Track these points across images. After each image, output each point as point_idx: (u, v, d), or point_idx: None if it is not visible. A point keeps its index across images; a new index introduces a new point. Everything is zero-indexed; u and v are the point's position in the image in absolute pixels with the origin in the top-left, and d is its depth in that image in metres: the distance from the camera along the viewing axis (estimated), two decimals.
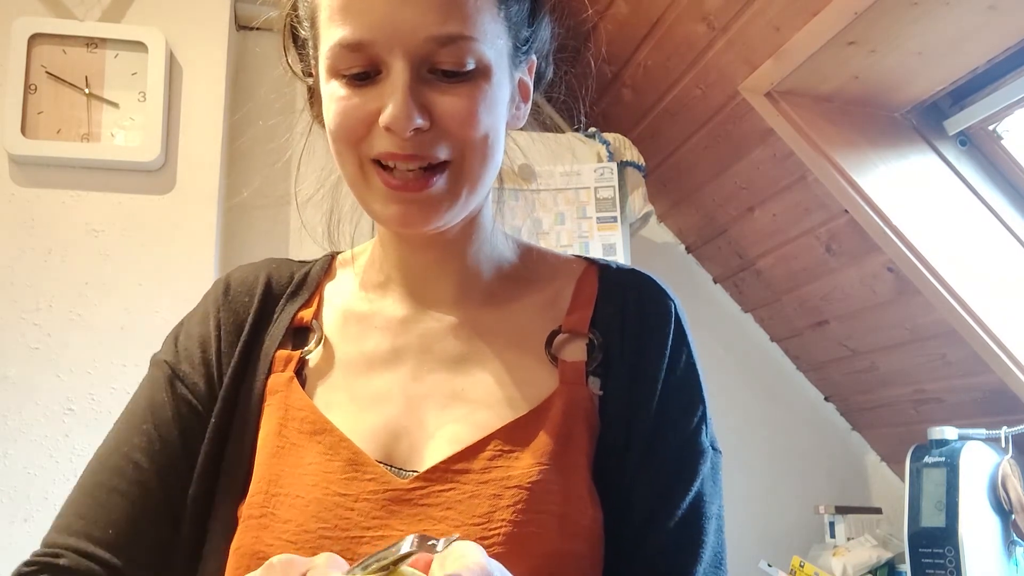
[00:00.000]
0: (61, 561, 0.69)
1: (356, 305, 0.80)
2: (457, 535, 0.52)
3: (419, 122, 0.66)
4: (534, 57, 0.78)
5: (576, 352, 0.75)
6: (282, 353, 0.77)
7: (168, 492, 0.73)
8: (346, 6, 0.67)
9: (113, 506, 0.71)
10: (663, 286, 0.79)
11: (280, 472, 0.70)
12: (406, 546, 0.50)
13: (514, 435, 0.70)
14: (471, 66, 0.68)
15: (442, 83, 0.68)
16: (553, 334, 0.76)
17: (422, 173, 0.68)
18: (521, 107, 0.78)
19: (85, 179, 1.90)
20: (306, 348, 0.77)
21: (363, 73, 0.68)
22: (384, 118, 0.66)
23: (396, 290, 0.80)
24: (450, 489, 0.67)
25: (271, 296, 0.81)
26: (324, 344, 0.78)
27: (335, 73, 0.69)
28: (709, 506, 0.73)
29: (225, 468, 0.73)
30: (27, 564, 0.70)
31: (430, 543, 0.50)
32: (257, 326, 0.79)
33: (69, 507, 0.73)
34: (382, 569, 0.49)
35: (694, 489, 0.72)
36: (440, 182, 0.69)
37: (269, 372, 0.76)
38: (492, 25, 0.69)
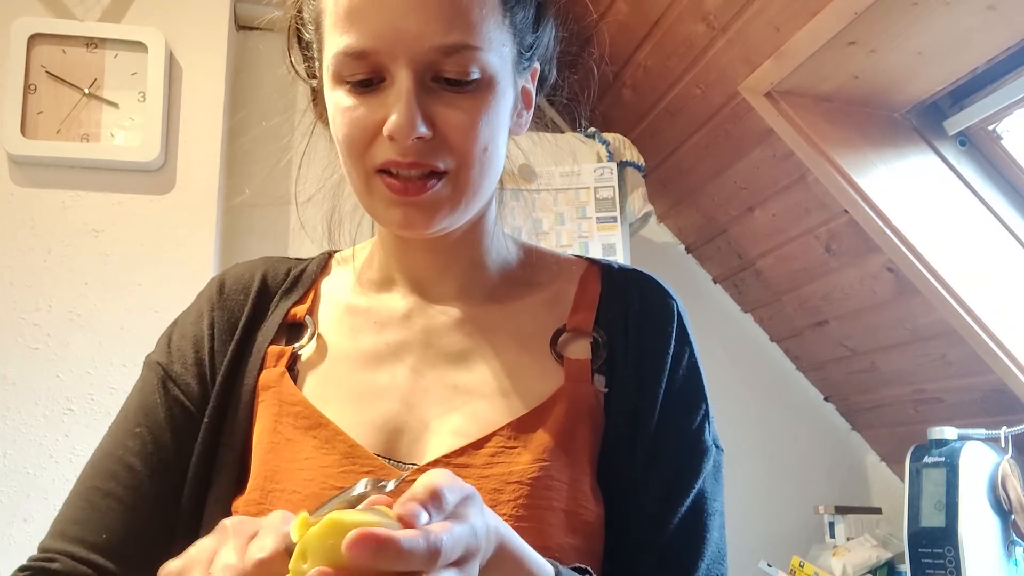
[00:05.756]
0: (54, 566, 0.69)
1: (354, 300, 0.81)
2: (407, 474, 0.52)
3: (422, 131, 0.66)
4: (537, 64, 0.79)
5: (581, 350, 0.76)
6: (274, 348, 0.77)
7: (162, 494, 0.73)
8: (350, 13, 0.67)
9: (107, 510, 0.71)
10: (665, 286, 0.80)
11: (276, 468, 0.70)
12: (359, 488, 0.50)
13: (517, 431, 0.70)
14: (475, 75, 0.68)
15: (446, 93, 0.68)
16: (558, 332, 0.76)
17: (422, 177, 0.69)
18: (523, 115, 0.78)
19: (85, 179, 1.90)
20: (298, 343, 0.77)
21: (367, 80, 0.68)
22: (388, 127, 0.66)
23: (397, 287, 0.80)
24: None
25: (266, 293, 0.81)
26: (318, 339, 0.78)
27: (339, 80, 0.69)
28: (712, 503, 0.74)
29: (219, 466, 0.73)
30: (21, 569, 0.70)
31: (380, 484, 0.51)
32: (251, 323, 0.79)
33: (65, 512, 0.73)
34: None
35: (697, 487, 0.73)
36: (439, 186, 0.69)
37: (261, 368, 0.76)
38: (497, 32, 0.69)
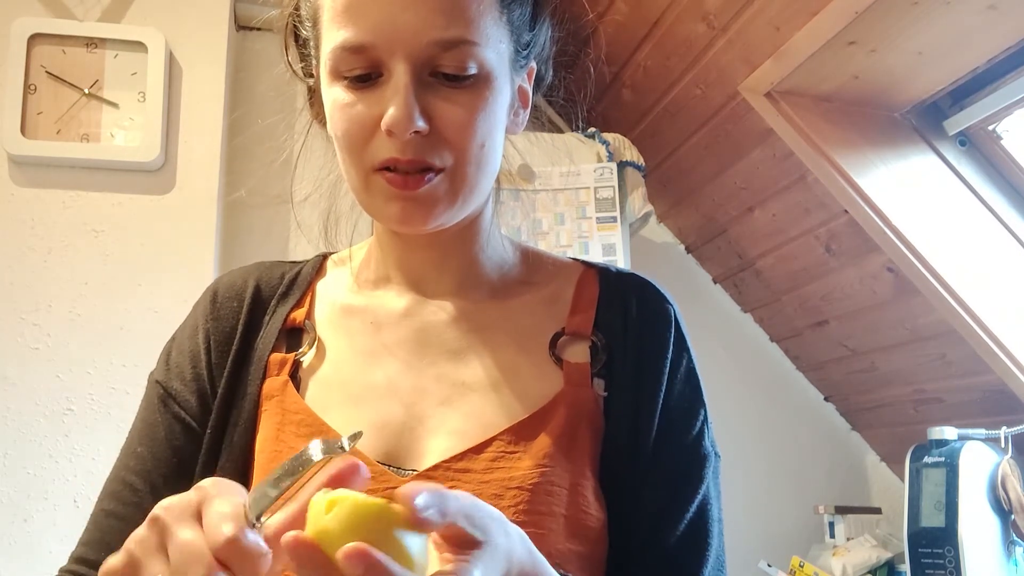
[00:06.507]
0: None
1: (351, 300, 0.80)
2: (360, 431, 0.53)
3: (420, 124, 0.66)
4: (534, 64, 0.79)
5: (580, 354, 0.75)
6: (276, 356, 0.77)
7: None
8: (348, 8, 0.67)
9: (108, 528, 0.73)
10: (663, 291, 0.80)
11: None
12: (315, 454, 0.51)
13: (518, 436, 0.70)
14: (473, 70, 0.68)
15: (443, 87, 0.68)
16: (557, 335, 0.76)
17: (420, 171, 0.69)
18: (520, 113, 0.78)
19: (85, 179, 1.90)
20: (300, 350, 0.77)
21: (364, 75, 0.68)
22: (385, 121, 0.66)
23: (395, 285, 0.80)
24: (450, 488, 0.67)
25: (260, 300, 0.81)
26: (318, 344, 0.78)
27: (337, 75, 0.69)
28: (713, 509, 0.74)
29: (220, 474, 0.73)
30: None
31: (337, 446, 0.51)
32: (248, 332, 0.79)
33: (80, 537, 0.75)
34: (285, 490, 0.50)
35: (701, 494, 0.73)
36: (436, 181, 0.69)
37: (264, 376, 0.76)
38: (494, 29, 0.70)
